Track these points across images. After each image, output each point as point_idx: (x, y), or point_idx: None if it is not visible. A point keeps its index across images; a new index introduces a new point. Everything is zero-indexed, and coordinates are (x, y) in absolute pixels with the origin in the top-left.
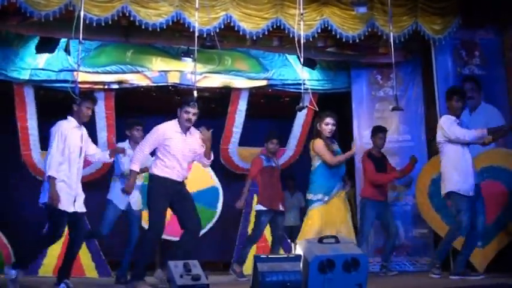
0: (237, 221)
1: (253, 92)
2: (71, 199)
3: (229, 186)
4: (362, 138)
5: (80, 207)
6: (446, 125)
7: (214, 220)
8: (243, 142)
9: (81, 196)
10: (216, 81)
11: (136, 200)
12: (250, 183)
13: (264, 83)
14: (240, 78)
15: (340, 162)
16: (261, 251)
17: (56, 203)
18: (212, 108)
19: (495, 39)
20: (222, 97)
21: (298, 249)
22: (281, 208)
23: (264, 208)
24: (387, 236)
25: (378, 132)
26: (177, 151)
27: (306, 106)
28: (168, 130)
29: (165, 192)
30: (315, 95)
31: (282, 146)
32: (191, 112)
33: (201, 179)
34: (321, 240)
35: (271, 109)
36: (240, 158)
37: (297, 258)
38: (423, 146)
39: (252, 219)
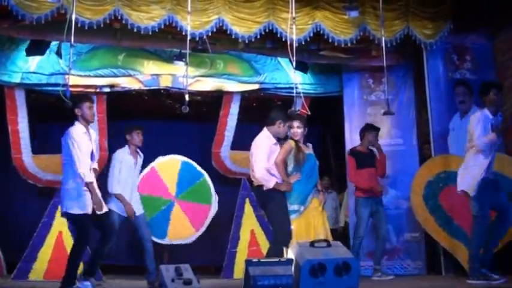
0: (228, 225)
1: (245, 96)
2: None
3: (221, 190)
4: (354, 142)
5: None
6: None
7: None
8: (235, 146)
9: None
10: (208, 84)
11: (136, 206)
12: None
13: (256, 86)
14: (232, 81)
15: (280, 172)
16: (253, 254)
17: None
18: (204, 111)
19: (486, 44)
20: (214, 101)
21: (290, 253)
22: None
23: None
24: (377, 239)
25: (372, 129)
26: None
27: (298, 110)
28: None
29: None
30: (307, 98)
31: None
32: (298, 126)
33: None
34: (312, 244)
35: (264, 113)
36: (232, 162)
37: (289, 262)
38: (415, 150)
39: (245, 222)
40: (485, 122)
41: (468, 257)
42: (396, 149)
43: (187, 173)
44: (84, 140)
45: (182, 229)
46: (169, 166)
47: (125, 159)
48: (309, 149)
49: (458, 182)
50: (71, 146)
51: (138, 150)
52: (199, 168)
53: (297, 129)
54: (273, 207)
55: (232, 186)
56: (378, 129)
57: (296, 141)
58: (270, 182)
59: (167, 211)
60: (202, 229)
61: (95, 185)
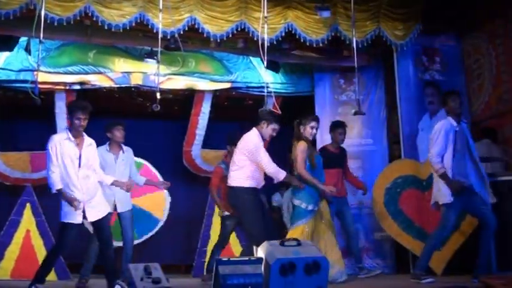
0: (199, 223)
1: (217, 95)
2: (78, 210)
3: (192, 188)
4: (324, 141)
5: (93, 217)
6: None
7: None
8: (206, 144)
9: (94, 206)
10: (179, 83)
11: (123, 201)
12: (217, 191)
13: (227, 85)
14: (204, 80)
15: (305, 180)
16: (223, 253)
17: (75, 204)
18: (175, 110)
19: (455, 46)
20: (186, 99)
21: (260, 252)
22: None
23: (228, 213)
24: (348, 238)
25: (338, 127)
26: None
27: (269, 109)
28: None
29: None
30: (279, 98)
31: None
32: (276, 130)
33: None
34: (282, 242)
35: (235, 112)
36: (203, 161)
37: (259, 261)
38: (385, 150)
39: (215, 221)
40: (447, 132)
41: (420, 255)
42: (366, 149)
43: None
44: (65, 145)
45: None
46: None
47: (103, 156)
48: (315, 151)
49: (433, 193)
50: (47, 154)
51: (122, 145)
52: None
53: (312, 129)
54: (245, 207)
55: (203, 185)
56: (344, 126)
57: (308, 141)
58: (281, 175)
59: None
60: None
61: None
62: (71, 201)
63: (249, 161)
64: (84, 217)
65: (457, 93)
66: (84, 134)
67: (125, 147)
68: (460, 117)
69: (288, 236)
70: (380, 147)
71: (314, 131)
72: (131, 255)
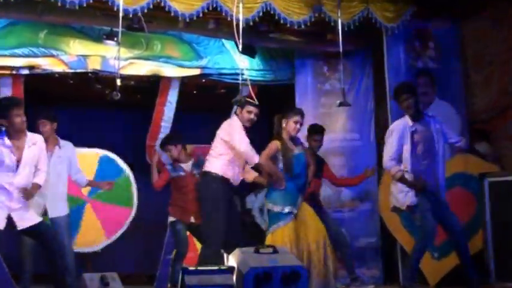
0: (163, 228)
1: (185, 82)
2: (3, 215)
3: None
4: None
5: (24, 224)
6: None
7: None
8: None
9: (21, 212)
10: (143, 68)
11: (56, 204)
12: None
13: (197, 71)
14: (171, 65)
15: (265, 171)
16: (190, 262)
17: None
18: (138, 99)
19: (452, 30)
20: (150, 87)
21: (232, 261)
22: (192, 220)
23: (175, 218)
24: (336, 246)
25: (312, 133)
26: None
27: (244, 99)
28: None
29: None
30: (255, 86)
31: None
32: (253, 112)
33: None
34: (257, 250)
35: (205, 102)
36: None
37: (230, 270)
38: (372, 147)
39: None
40: (400, 133)
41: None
42: (352, 144)
43: (106, 168)
44: None
45: (91, 234)
46: (86, 160)
47: None
48: (298, 148)
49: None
50: None
51: (60, 140)
52: (121, 163)
53: (296, 125)
54: (206, 199)
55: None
56: (321, 132)
57: (282, 141)
58: (254, 158)
59: (78, 212)
60: (115, 236)
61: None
62: None
63: (227, 151)
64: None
65: (408, 89)
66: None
67: (62, 142)
68: (421, 114)
69: (266, 243)
70: (367, 142)
71: (298, 126)
72: (74, 268)
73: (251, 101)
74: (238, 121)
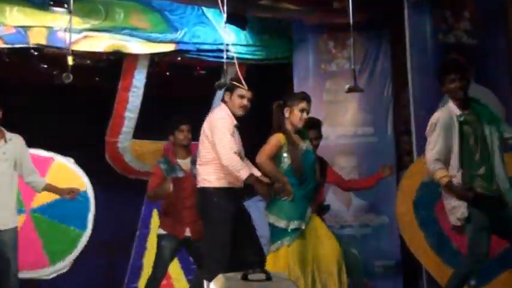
0: (126, 248)
1: (156, 61)
2: None
3: (118, 197)
4: None
5: None
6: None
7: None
8: (139, 133)
9: None
10: (101, 43)
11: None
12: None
13: (171, 47)
14: (137, 39)
15: (265, 173)
16: None
17: None
18: (96, 82)
19: None
20: (110, 67)
21: None
22: (188, 234)
23: (164, 232)
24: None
25: (310, 128)
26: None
27: (230, 82)
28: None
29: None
30: (243, 66)
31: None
32: (246, 96)
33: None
34: (245, 276)
35: (181, 86)
36: (135, 157)
37: None
38: (390, 143)
39: (151, 243)
40: (445, 125)
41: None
42: (364, 140)
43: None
44: None
45: (33, 258)
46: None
47: None
48: (306, 144)
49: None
50: None
51: (6, 132)
52: (76, 168)
53: (301, 113)
54: (210, 215)
55: (135, 192)
56: (317, 126)
57: (287, 135)
58: (242, 172)
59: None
60: (65, 263)
61: None
62: None
63: (213, 151)
64: None
65: (458, 68)
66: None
67: (9, 135)
68: (468, 100)
69: (267, 265)
70: (383, 138)
71: (305, 115)
72: None
73: (239, 85)
74: (225, 111)
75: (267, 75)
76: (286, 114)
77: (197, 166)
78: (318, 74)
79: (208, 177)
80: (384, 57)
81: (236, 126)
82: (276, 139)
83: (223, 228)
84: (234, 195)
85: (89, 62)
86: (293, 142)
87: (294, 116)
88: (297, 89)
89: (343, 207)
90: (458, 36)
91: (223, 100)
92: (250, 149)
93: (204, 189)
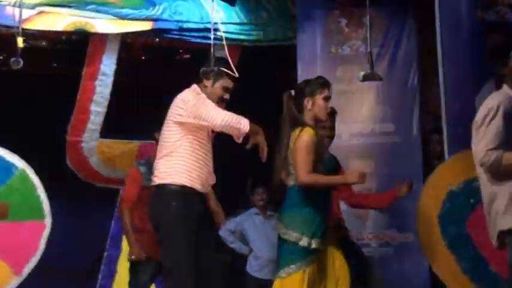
0: (89, 275)
1: (129, 43)
2: None
3: (80, 209)
4: None
5: None
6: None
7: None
8: (108, 131)
9: None
10: (60, 21)
11: None
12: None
13: (147, 26)
14: (105, 16)
15: (316, 186)
16: None
17: None
18: (53, 69)
19: None
20: (72, 50)
21: None
22: None
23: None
24: None
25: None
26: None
27: (218, 68)
28: None
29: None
30: (235, 49)
31: None
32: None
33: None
34: None
35: (160, 73)
36: (103, 160)
37: None
38: (416, 143)
39: (123, 263)
40: (507, 111)
41: None
42: (384, 140)
43: None
44: None
45: None
46: None
47: None
48: (327, 142)
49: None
50: None
51: None
52: (12, 158)
53: (326, 102)
54: (171, 222)
55: (102, 204)
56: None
57: (314, 128)
58: (244, 121)
59: None
60: (27, 269)
61: None
62: None
63: (183, 138)
64: None
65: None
66: None
67: None
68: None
69: None
70: (407, 137)
71: (329, 104)
72: None
73: (230, 72)
74: (194, 91)
75: (264, 61)
76: (309, 106)
77: (157, 161)
78: (327, 58)
79: (168, 172)
80: (409, 39)
81: None
82: (307, 139)
83: (184, 240)
84: (199, 200)
85: (44, 43)
86: (319, 141)
87: (318, 107)
88: (300, 77)
89: (359, 222)
90: (501, 12)
91: (199, 84)
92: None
93: (163, 186)
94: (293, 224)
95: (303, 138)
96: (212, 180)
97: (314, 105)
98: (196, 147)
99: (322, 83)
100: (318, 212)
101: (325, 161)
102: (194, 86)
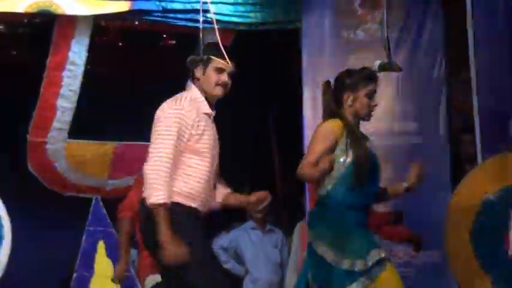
0: None
1: (102, 26)
2: None
3: (45, 223)
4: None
5: None
6: None
7: None
8: (78, 130)
9: None
10: (22, 1)
11: None
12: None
13: (124, 6)
14: None
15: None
16: None
17: None
18: (12, 57)
19: None
20: (34, 35)
21: None
22: None
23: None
24: None
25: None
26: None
27: (208, 57)
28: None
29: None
30: (229, 33)
31: None
32: (227, 70)
33: None
34: None
35: (140, 62)
36: (70, 163)
37: None
38: (443, 145)
39: (95, 285)
40: None
41: None
42: (405, 141)
43: None
44: None
45: None
46: None
47: None
48: (368, 140)
49: None
50: None
51: None
52: None
53: (370, 98)
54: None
55: (71, 215)
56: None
57: (346, 123)
58: (159, 193)
59: None
60: None
61: None
62: None
63: (183, 154)
64: None
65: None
66: None
67: None
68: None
69: None
70: (433, 138)
71: (372, 102)
72: None
73: (217, 58)
74: (190, 95)
75: (264, 47)
76: (349, 102)
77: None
78: (337, 44)
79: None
80: (434, 22)
81: (209, 115)
82: (328, 127)
83: (197, 262)
84: (197, 221)
85: (2, 27)
86: (355, 133)
87: (360, 104)
88: (306, 67)
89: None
90: None
91: (193, 78)
92: (244, 144)
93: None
94: (323, 236)
95: (323, 126)
96: (210, 199)
97: (355, 102)
98: (194, 161)
99: (367, 76)
100: (355, 220)
101: (363, 155)
102: (191, 86)
